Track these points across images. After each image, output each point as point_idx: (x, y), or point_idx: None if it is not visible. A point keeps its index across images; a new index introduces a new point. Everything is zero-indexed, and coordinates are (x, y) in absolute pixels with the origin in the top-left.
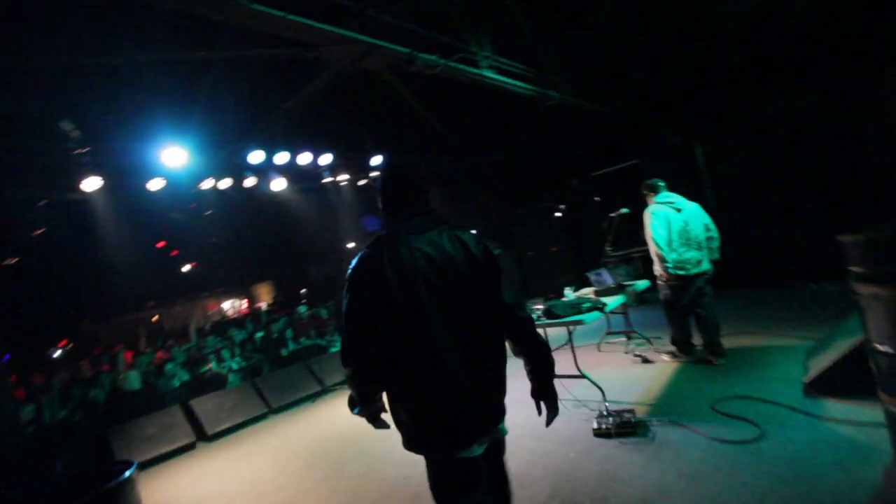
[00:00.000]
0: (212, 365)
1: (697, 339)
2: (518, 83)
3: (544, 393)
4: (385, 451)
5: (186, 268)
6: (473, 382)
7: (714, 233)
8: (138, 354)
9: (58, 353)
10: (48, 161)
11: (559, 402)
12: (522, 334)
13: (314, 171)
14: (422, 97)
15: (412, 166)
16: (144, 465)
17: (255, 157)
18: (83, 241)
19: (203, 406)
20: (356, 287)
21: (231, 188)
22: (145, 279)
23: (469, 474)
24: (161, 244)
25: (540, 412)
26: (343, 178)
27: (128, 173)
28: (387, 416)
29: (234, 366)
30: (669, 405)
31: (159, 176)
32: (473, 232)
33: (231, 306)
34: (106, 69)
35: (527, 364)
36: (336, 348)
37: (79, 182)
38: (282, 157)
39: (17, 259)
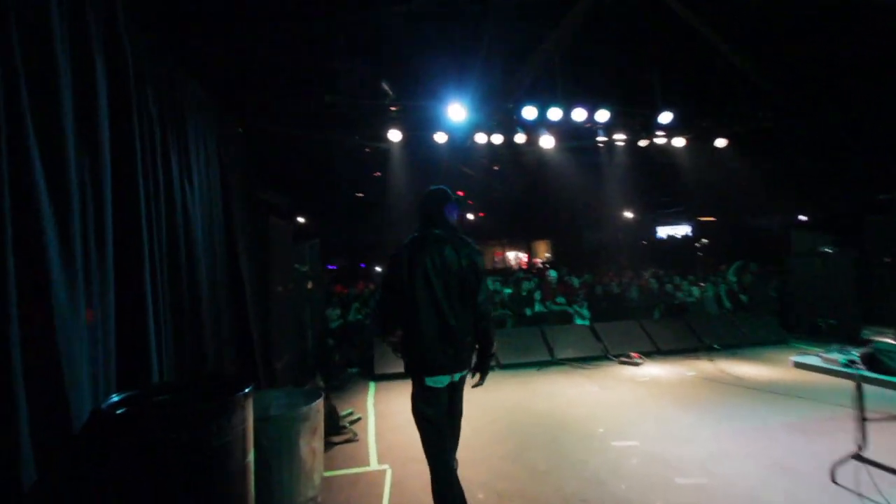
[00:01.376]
0: None
1: None
2: None
3: (482, 366)
4: (573, 447)
5: (470, 216)
6: (441, 343)
7: None
8: None
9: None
10: (366, 114)
11: None
12: (479, 324)
13: (589, 129)
14: (728, 34)
15: (442, 190)
16: (381, 378)
17: (528, 112)
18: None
19: None
20: (387, 272)
21: (503, 144)
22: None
23: (432, 394)
24: (460, 193)
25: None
26: (620, 137)
27: (420, 127)
28: None
29: None
30: None
31: (443, 130)
32: (471, 242)
33: (515, 258)
34: (409, 33)
35: (477, 343)
36: (580, 321)
37: (386, 132)
38: (555, 113)
39: (363, 194)
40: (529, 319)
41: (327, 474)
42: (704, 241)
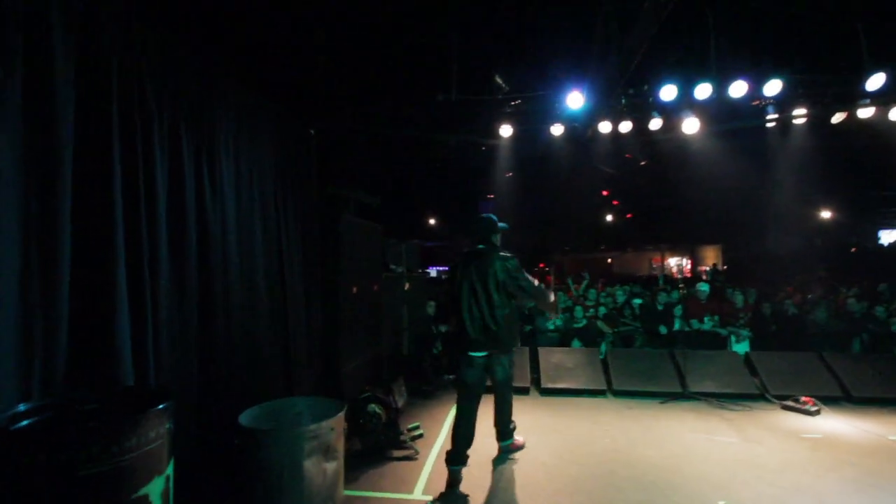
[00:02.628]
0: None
1: None
2: None
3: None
4: None
5: (609, 218)
6: (475, 333)
7: None
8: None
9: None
10: (481, 110)
11: None
12: (526, 307)
13: (755, 107)
14: None
15: (489, 219)
16: None
17: (667, 93)
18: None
19: (547, 357)
20: (446, 278)
21: (633, 132)
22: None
23: (471, 362)
24: (605, 192)
25: None
26: (801, 112)
27: (534, 120)
28: None
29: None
30: None
31: (559, 121)
32: (509, 256)
33: (676, 265)
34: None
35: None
36: (737, 346)
37: (497, 128)
38: (703, 91)
39: (492, 195)
40: (664, 340)
41: (357, 493)
42: None
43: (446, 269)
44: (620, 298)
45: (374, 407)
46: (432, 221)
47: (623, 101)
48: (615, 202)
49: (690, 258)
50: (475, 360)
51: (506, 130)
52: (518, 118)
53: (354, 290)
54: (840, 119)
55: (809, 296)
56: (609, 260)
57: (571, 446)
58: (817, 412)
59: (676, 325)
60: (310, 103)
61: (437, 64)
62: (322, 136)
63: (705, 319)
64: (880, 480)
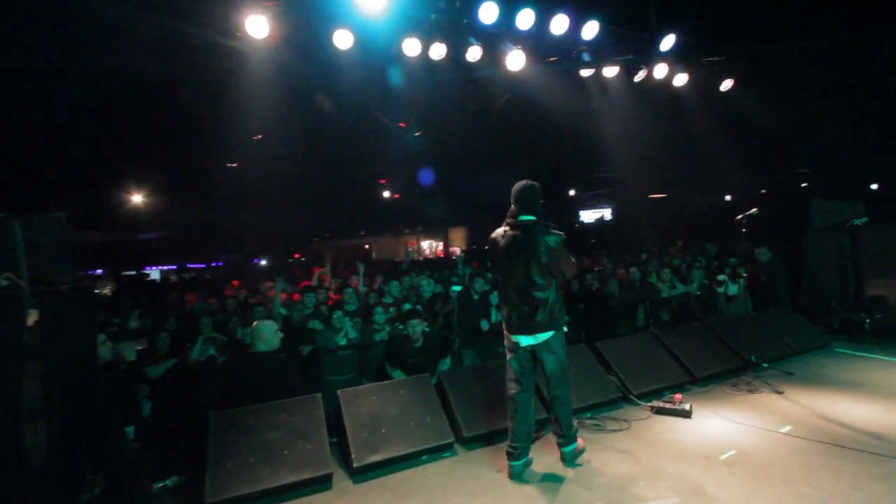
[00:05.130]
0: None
1: None
2: None
3: None
4: None
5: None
6: (518, 308)
7: None
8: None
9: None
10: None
11: None
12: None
13: (571, 49)
14: None
15: (536, 187)
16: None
17: (487, 13)
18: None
19: (353, 406)
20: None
21: (446, 58)
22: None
23: (516, 349)
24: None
25: None
26: (612, 68)
27: (311, 17)
28: None
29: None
30: None
31: (345, 26)
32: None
33: (429, 246)
34: None
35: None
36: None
37: (244, 20)
38: (525, 19)
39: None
40: (484, 338)
41: None
42: (754, 211)
43: (174, 268)
44: (427, 291)
45: None
46: (137, 199)
47: (432, 15)
48: (382, 180)
49: (443, 241)
50: (518, 347)
51: (258, 25)
52: (285, 13)
53: None
54: (641, 77)
55: (597, 268)
56: (367, 246)
57: None
58: (690, 411)
59: (494, 316)
60: None
61: None
62: None
63: None
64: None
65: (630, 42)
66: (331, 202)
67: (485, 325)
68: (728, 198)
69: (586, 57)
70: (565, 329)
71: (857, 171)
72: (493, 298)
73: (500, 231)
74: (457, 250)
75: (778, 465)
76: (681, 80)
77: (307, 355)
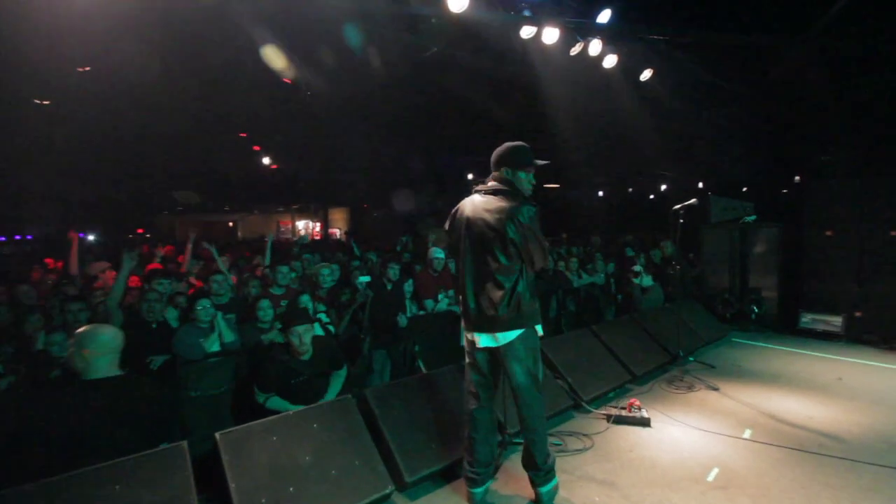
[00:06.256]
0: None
1: None
2: None
3: None
4: None
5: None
6: (476, 297)
7: None
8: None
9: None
10: None
11: None
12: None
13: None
14: None
15: (523, 148)
16: None
17: None
18: None
19: (242, 450)
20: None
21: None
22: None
23: (474, 350)
24: (243, 134)
25: None
26: (552, 31)
27: None
28: None
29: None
30: None
31: None
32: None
33: (305, 227)
34: None
35: None
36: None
37: None
38: None
39: None
40: (396, 336)
41: None
42: (693, 201)
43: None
44: (328, 280)
45: None
46: None
47: None
48: (256, 147)
49: (321, 221)
50: (474, 348)
51: None
52: None
53: None
54: (577, 51)
55: None
56: (231, 223)
57: None
58: (649, 419)
59: (411, 310)
60: None
61: None
62: None
63: (440, 297)
64: None
65: (570, 8)
66: (188, 167)
67: (403, 321)
68: (630, 190)
69: (527, 13)
70: (539, 329)
71: (746, 172)
72: (408, 287)
73: (465, 200)
74: (336, 232)
75: (771, 485)
76: (610, 61)
77: (159, 368)
